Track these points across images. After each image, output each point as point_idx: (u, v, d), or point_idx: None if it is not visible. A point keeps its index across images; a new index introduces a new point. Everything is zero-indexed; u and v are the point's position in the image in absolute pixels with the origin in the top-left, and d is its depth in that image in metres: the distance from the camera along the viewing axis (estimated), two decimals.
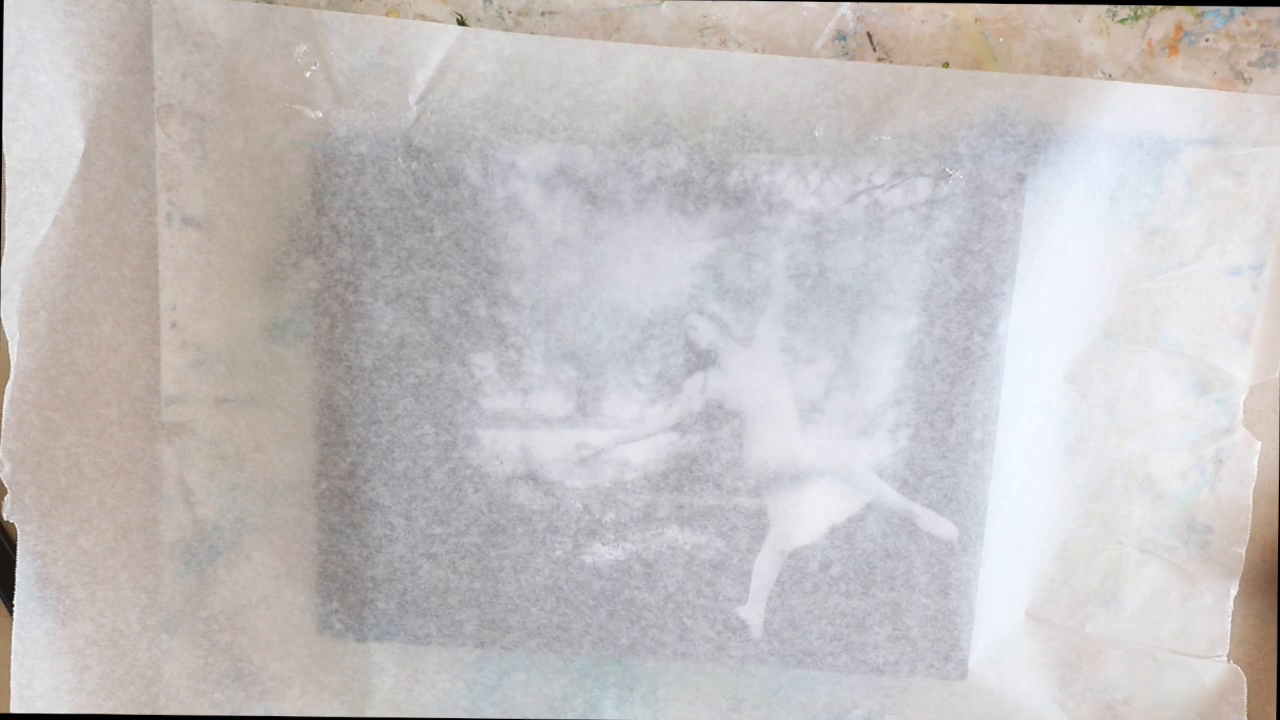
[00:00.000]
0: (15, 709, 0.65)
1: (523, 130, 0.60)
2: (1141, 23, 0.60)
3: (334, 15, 0.59)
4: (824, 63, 0.59)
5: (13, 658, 0.65)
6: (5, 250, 0.61)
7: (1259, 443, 0.63)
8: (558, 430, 0.63)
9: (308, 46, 0.59)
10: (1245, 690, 0.65)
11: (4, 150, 0.60)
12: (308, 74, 0.59)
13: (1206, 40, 0.60)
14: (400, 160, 0.60)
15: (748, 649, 0.65)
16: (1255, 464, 0.64)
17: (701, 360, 0.62)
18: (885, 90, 0.59)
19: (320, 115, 0.60)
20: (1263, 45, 0.60)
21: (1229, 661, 0.65)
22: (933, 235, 0.60)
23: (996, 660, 0.65)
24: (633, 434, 0.63)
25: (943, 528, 0.63)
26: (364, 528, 0.64)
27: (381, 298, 0.62)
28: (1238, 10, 0.60)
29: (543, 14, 0.60)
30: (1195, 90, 0.60)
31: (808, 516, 0.64)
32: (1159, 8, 0.60)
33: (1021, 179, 0.60)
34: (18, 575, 0.65)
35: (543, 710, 0.65)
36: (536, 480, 0.63)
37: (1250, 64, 0.59)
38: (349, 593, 0.65)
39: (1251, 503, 0.64)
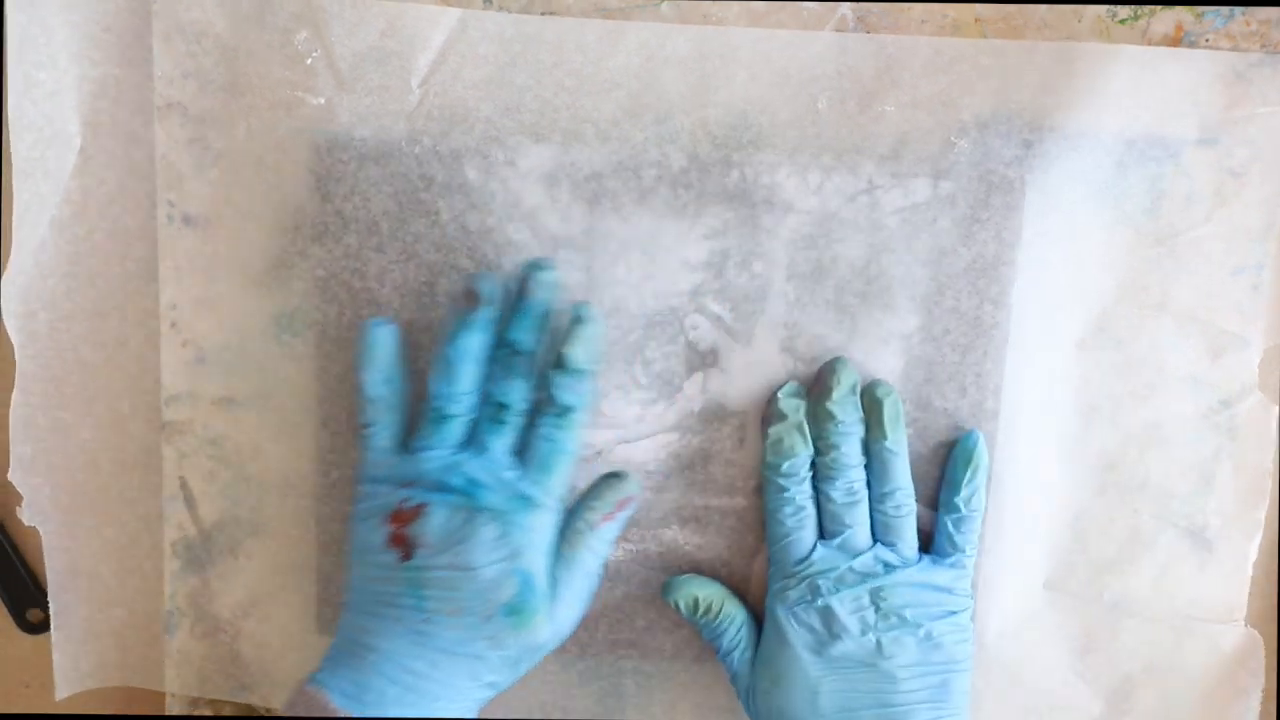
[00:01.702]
0: (61, 692, 0.65)
1: (525, 110, 0.60)
2: (1141, 23, 0.60)
3: (334, 0, 0.59)
4: (824, 35, 0.59)
5: (53, 646, 0.65)
6: (11, 253, 0.61)
7: (1276, 406, 0.63)
8: None
9: (308, 33, 0.59)
10: (1263, 655, 0.65)
11: (11, 151, 0.60)
12: (309, 60, 0.59)
13: (1206, 40, 0.60)
14: (404, 144, 0.60)
15: None
16: (1273, 427, 0.64)
17: (701, 360, 0.62)
18: (887, 60, 0.59)
19: (323, 101, 0.60)
20: (1263, 45, 0.60)
21: (1247, 626, 0.65)
22: (939, 204, 0.60)
23: (1016, 634, 0.65)
24: (633, 434, 0.63)
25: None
26: None
27: (389, 283, 0.61)
28: (1238, 10, 0.60)
29: (542, 14, 0.60)
30: (1196, 87, 0.60)
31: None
32: (1159, 8, 0.60)
33: (1028, 145, 0.60)
34: (48, 570, 0.64)
35: (560, 696, 0.64)
36: None
37: (1250, 64, 0.60)
38: None
39: (1271, 466, 0.64)
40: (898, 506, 0.60)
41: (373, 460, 0.58)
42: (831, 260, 0.61)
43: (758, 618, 0.63)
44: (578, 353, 0.57)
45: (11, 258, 0.61)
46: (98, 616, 0.66)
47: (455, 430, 0.58)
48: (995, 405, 0.62)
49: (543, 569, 0.57)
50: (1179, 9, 0.60)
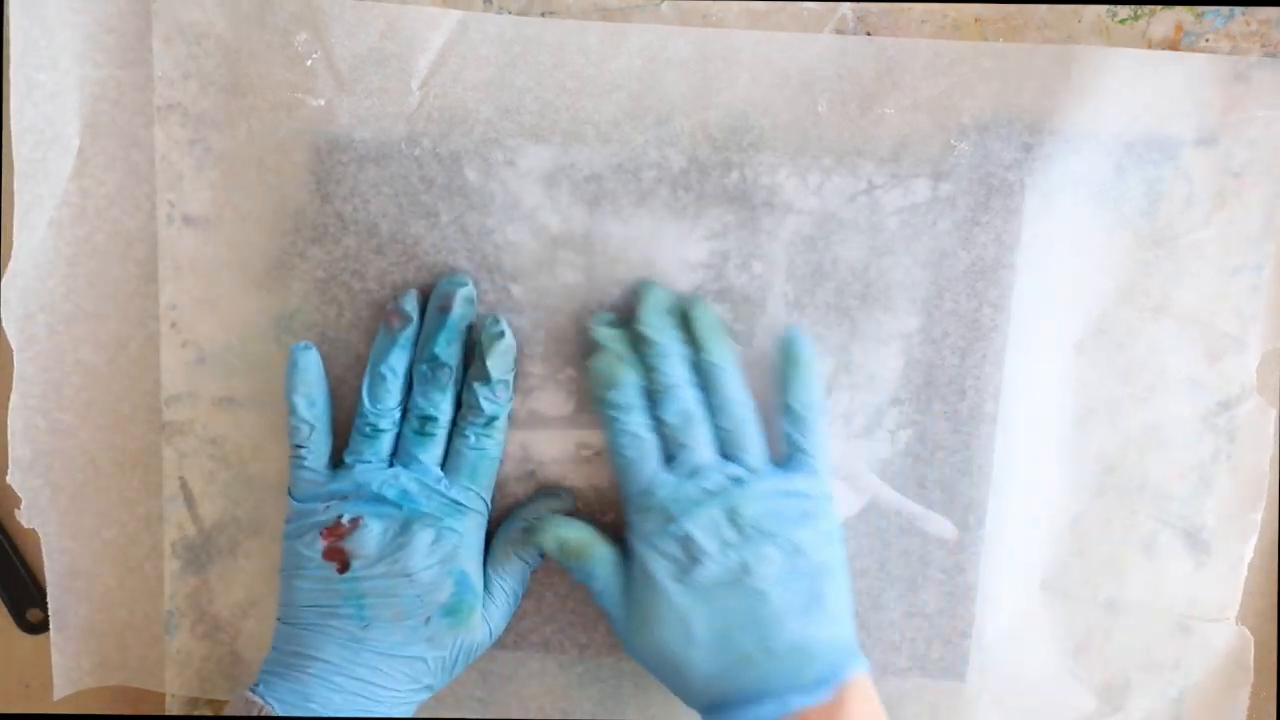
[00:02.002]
0: (59, 691, 0.66)
1: (525, 112, 0.60)
2: (1141, 23, 0.60)
3: (334, 2, 0.59)
4: (824, 37, 0.60)
5: (53, 647, 0.65)
6: (12, 256, 0.61)
7: (1274, 409, 0.63)
8: (558, 430, 0.63)
9: (308, 34, 0.59)
10: (1252, 651, 0.65)
11: (14, 154, 0.60)
12: (309, 62, 0.59)
13: (1206, 40, 0.60)
14: (403, 146, 0.60)
15: None
16: (1271, 430, 0.64)
17: None
18: (887, 62, 0.59)
19: (323, 103, 0.60)
20: (1263, 45, 0.60)
21: (1238, 624, 0.65)
22: (939, 207, 0.60)
23: (1013, 634, 0.65)
24: None
25: (943, 527, 0.63)
26: None
27: (388, 285, 0.61)
28: (1238, 10, 0.60)
29: (542, 14, 0.60)
30: (1195, 89, 0.60)
31: None
32: (1159, 8, 0.60)
33: (1028, 148, 0.60)
34: (47, 573, 0.64)
35: (559, 698, 0.64)
36: (536, 480, 0.63)
37: (1250, 65, 0.60)
38: None
39: (1268, 469, 0.64)
40: (734, 419, 0.59)
41: (306, 479, 0.60)
42: (831, 262, 0.61)
43: None
44: (497, 364, 0.59)
45: (12, 260, 0.60)
46: (97, 617, 0.66)
47: (385, 444, 0.60)
48: (994, 408, 0.62)
49: (476, 570, 0.60)
50: (1179, 9, 0.60)
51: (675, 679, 0.58)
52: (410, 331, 0.59)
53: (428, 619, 0.57)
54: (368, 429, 0.59)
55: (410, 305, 0.60)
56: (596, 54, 0.59)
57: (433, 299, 0.60)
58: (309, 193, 0.61)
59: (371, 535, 0.58)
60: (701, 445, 0.58)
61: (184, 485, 0.64)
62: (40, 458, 0.63)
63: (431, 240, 0.61)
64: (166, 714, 0.67)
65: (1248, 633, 0.65)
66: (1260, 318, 0.62)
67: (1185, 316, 0.62)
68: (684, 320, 0.60)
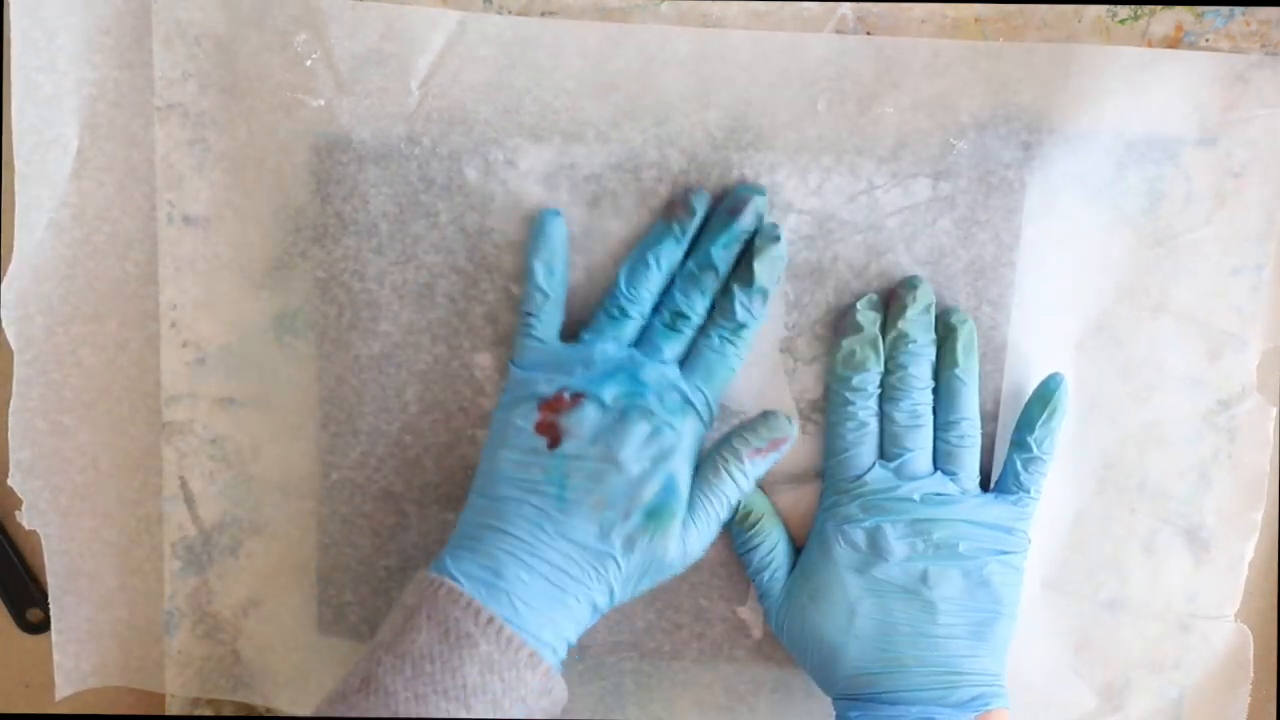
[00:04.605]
0: (60, 691, 0.66)
1: (524, 112, 0.60)
2: (1141, 23, 0.60)
3: (333, 2, 0.59)
4: (823, 37, 0.59)
5: (54, 647, 0.65)
6: (12, 258, 0.61)
7: (1274, 408, 0.63)
8: None
9: (307, 35, 0.59)
10: (1252, 649, 0.66)
11: (15, 155, 0.60)
12: (308, 62, 0.59)
13: (1206, 40, 0.60)
14: (403, 145, 0.60)
15: (748, 649, 0.65)
16: (1271, 428, 0.64)
17: None
18: (886, 62, 0.59)
19: (322, 103, 0.60)
20: (1263, 45, 0.60)
21: (1236, 621, 0.66)
22: (938, 206, 0.60)
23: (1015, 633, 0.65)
24: None
25: None
26: (376, 517, 0.64)
27: (388, 285, 0.61)
28: (1238, 10, 0.60)
29: (543, 14, 0.60)
30: (1195, 88, 0.60)
31: (808, 516, 0.63)
32: (1159, 8, 0.60)
33: (1027, 146, 0.60)
34: (48, 573, 0.65)
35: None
36: None
37: (1250, 65, 0.60)
38: (362, 584, 0.65)
39: (1268, 468, 0.64)
40: (962, 436, 0.59)
41: (531, 347, 0.59)
42: (831, 260, 0.61)
43: (796, 548, 0.62)
44: (764, 271, 0.58)
45: (12, 262, 0.61)
46: (98, 617, 0.66)
47: (629, 330, 0.59)
48: (994, 407, 0.62)
49: (685, 477, 0.58)
50: (1179, 9, 0.60)
51: (820, 662, 0.59)
52: (690, 227, 0.59)
53: (627, 514, 0.55)
54: (616, 310, 0.59)
55: (700, 202, 0.59)
56: (594, 54, 0.59)
57: (725, 201, 0.59)
58: (309, 193, 0.61)
59: (589, 415, 0.56)
60: (922, 451, 0.59)
61: (184, 485, 0.64)
62: (40, 459, 0.64)
63: (431, 240, 0.61)
64: (166, 714, 0.67)
65: (1247, 630, 0.65)
66: (1260, 316, 0.62)
67: (1185, 315, 0.62)
68: (941, 327, 0.60)
